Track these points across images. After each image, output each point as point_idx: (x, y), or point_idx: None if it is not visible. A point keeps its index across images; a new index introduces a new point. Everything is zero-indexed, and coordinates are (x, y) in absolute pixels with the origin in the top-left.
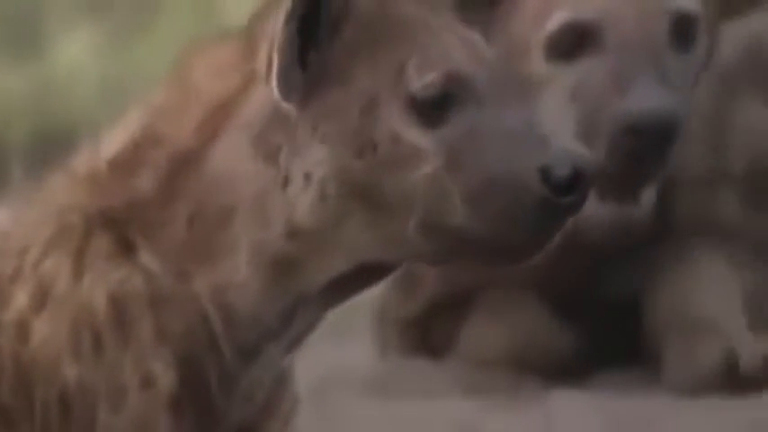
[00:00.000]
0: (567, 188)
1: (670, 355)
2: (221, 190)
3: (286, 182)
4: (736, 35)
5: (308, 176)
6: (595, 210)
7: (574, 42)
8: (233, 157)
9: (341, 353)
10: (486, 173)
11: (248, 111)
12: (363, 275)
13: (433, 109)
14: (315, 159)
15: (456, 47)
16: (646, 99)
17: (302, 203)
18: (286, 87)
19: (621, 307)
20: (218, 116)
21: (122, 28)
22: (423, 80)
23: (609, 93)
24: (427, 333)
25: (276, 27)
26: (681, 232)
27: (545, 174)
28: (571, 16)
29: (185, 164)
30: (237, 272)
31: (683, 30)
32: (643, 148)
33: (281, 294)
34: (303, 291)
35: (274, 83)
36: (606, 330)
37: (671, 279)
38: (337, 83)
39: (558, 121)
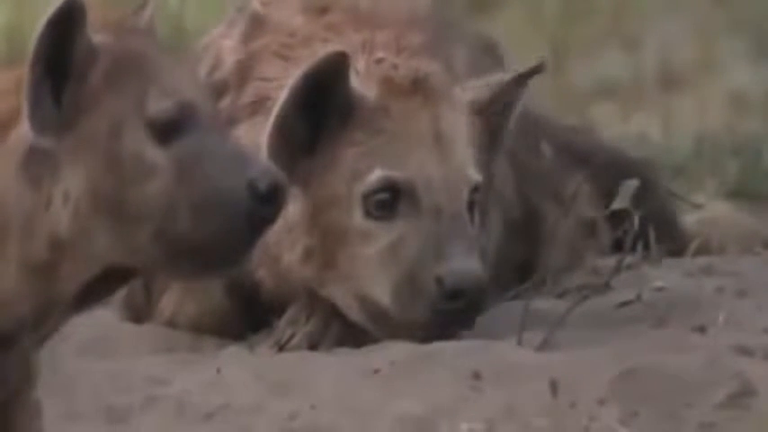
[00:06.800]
0: (268, 198)
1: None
2: None
3: (48, 203)
4: None
5: (66, 196)
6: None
7: (390, 200)
8: (4, 180)
9: None
10: (207, 186)
11: (16, 138)
12: (111, 280)
13: (167, 131)
14: (72, 180)
15: (185, 80)
16: (462, 264)
17: (62, 219)
18: (39, 124)
19: None
20: None
21: None
22: (159, 106)
23: (426, 257)
24: (142, 301)
25: (26, 69)
26: None
27: (251, 187)
28: (387, 173)
29: None
30: (6, 275)
31: (471, 200)
32: (462, 307)
33: (41, 294)
34: (59, 292)
35: (27, 121)
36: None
37: None
38: (91, 112)
39: (374, 274)
